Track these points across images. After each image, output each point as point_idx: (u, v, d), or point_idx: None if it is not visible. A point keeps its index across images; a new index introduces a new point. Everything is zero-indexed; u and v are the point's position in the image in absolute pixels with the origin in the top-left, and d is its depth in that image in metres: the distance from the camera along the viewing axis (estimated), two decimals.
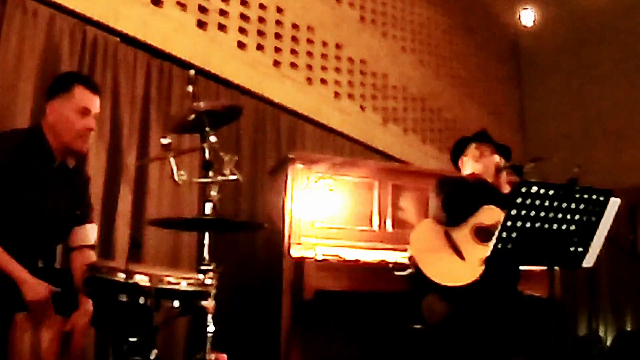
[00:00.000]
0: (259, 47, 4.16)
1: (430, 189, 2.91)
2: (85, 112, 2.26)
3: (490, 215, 2.69)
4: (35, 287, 2.03)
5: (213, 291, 2.03)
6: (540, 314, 2.51)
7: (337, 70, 4.85)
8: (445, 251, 2.68)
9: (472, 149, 2.95)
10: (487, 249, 2.48)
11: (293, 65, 4.41)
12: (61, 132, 2.24)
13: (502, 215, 2.57)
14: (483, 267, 2.56)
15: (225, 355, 2.09)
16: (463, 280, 2.57)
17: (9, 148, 2.16)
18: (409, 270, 2.82)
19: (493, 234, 2.50)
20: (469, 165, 2.96)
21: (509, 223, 2.04)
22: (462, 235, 2.70)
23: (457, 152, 3.03)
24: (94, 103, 2.31)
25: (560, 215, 2.06)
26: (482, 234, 2.67)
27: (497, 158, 2.91)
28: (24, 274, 2.04)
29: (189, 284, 1.96)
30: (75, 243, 2.35)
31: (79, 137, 2.26)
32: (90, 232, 2.39)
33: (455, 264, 2.64)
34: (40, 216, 2.21)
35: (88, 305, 2.16)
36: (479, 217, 2.72)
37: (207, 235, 2.17)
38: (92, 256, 2.36)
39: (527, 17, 6.65)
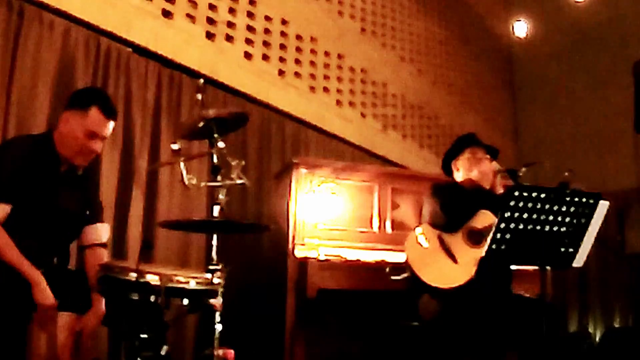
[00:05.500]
0: (265, 57, 4.23)
1: (425, 194, 2.92)
2: (93, 135, 2.25)
3: (483, 219, 2.70)
4: (46, 291, 2.06)
5: (221, 290, 2.06)
6: (532, 312, 2.54)
7: (339, 79, 4.91)
8: (438, 255, 2.69)
9: (466, 153, 2.94)
10: (479, 252, 2.51)
11: (297, 74, 4.48)
12: (65, 144, 2.26)
13: (494, 219, 2.54)
14: (475, 269, 2.59)
15: (232, 351, 2.09)
16: (456, 283, 2.61)
17: (20, 152, 2.21)
18: (404, 275, 2.84)
19: (485, 237, 2.53)
20: (464, 169, 2.94)
21: (502, 225, 2.06)
22: (455, 239, 2.70)
23: (449, 157, 3.02)
24: (106, 128, 2.28)
25: (551, 218, 2.09)
26: (474, 237, 2.69)
27: (493, 163, 2.90)
28: (38, 277, 2.08)
29: (197, 283, 2.00)
30: (86, 242, 2.39)
31: (80, 155, 2.27)
32: (101, 231, 2.42)
33: (449, 267, 2.66)
34: (51, 217, 2.24)
35: (100, 305, 2.21)
36: (472, 221, 2.73)
37: (215, 236, 2.19)
38: (104, 254, 2.40)
39: (520, 28, 6.69)
